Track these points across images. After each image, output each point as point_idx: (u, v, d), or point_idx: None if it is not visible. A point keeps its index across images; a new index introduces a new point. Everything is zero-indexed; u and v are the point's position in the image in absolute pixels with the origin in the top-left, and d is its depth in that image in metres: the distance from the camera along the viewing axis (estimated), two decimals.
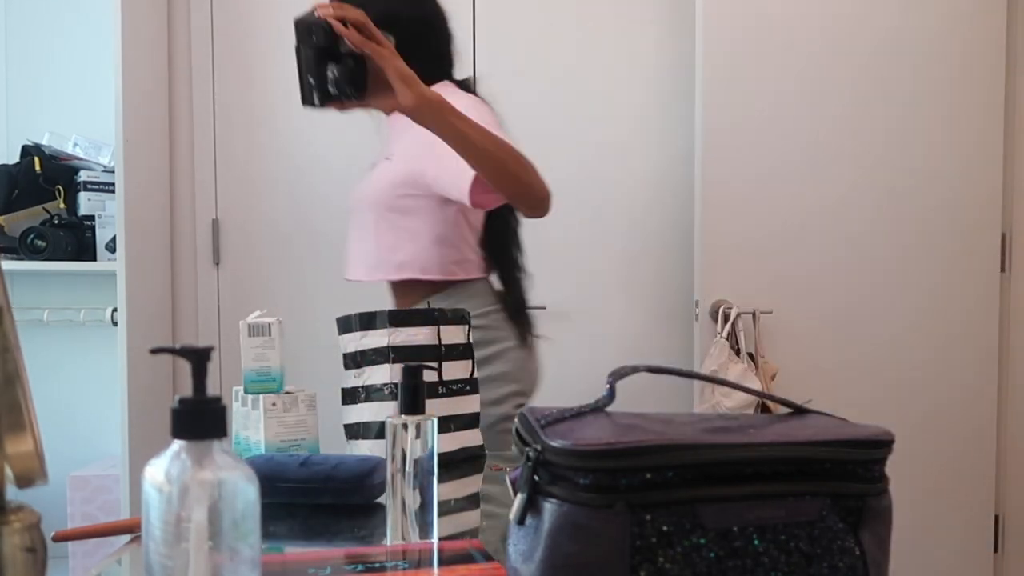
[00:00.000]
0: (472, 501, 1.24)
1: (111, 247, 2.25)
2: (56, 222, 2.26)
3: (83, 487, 2.22)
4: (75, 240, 2.26)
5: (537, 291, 2.55)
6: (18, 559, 0.56)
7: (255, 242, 2.49)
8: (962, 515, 2.56)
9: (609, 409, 0.72)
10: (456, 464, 1.40)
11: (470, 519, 1.14)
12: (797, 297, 2.46)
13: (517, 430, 0.69)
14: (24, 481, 0.57)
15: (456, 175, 1.39)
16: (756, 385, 2.23)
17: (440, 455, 1.00)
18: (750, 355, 2.33)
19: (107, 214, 2.28)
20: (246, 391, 1.29)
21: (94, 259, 2.28)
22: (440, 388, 1.41)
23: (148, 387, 2.27)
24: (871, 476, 0.65)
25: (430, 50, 1.55)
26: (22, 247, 2.20)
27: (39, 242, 2.21)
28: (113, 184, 2.21)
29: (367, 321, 1.40)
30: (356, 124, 2.52)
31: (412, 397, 0.87)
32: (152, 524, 0.53)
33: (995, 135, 2.54)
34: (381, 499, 1.09)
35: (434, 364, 1.39)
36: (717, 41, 2.38)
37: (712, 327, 2.37)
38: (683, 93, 2.50)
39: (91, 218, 2.29)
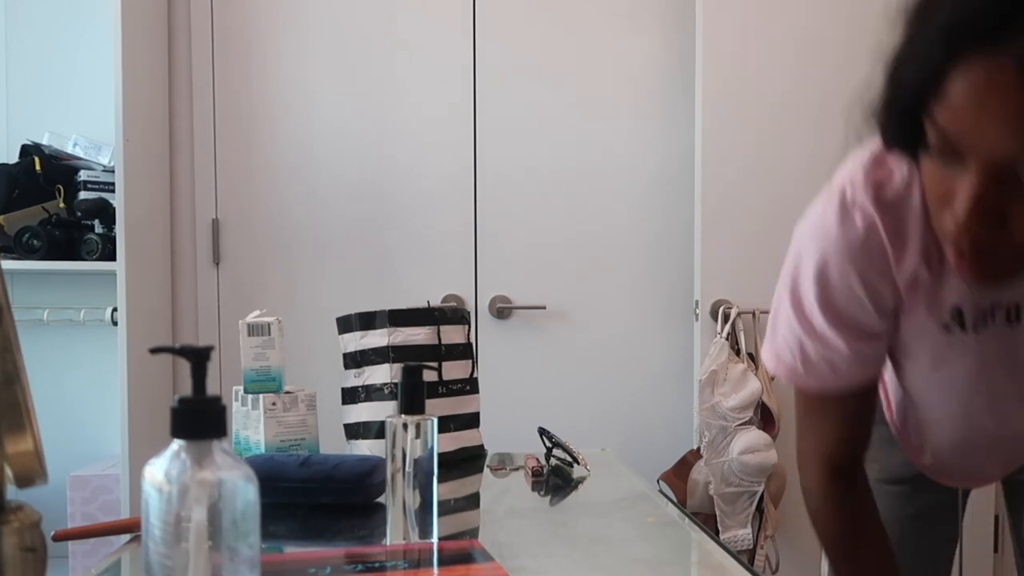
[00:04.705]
0: (472, 501, 1.24)
1: (92, 251, 2.25)
2: (53, 221, 2.26)
3: (83, 487, 2.22)
4: (68, 239, 2.25)
5: (537, 291, 2.56)
6: (18, 559, 0.56)
7: (255, 242, 2.49)
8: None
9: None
10: (456, 464, 1.40)
11: (470, 519, 1.14)
12: None
13: None
14: (24, 481, 0.57)
15: None
16: (756, 385, 2.23)
17: (440, 455, 1.00)
18: (750, 355, 2.33)
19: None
20: (246, 391, 1.30)
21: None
22: (440, 388, 1.41)
23: (148, 387, 2.27)
24: None
25: None
26: (17, 246, 2.20)
27: (34, 241, 2.21)
28: (113, 184, 2.21)
29: (367, 321, 1.40)
30: (355, 124, 2.52)
31: (412, 397, 0.87)
32: (152, 524, 0.53)
33: None
34: (381, 499, 1.09)
35: (434, 364, 1.39)
36: (717, 41, 2.38)
37: (712, 327, 2.37)
38: (683, 93, 2.50)
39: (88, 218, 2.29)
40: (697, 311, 2.40)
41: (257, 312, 1.34)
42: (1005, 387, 0.91)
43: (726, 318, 2.33)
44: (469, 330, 1.48)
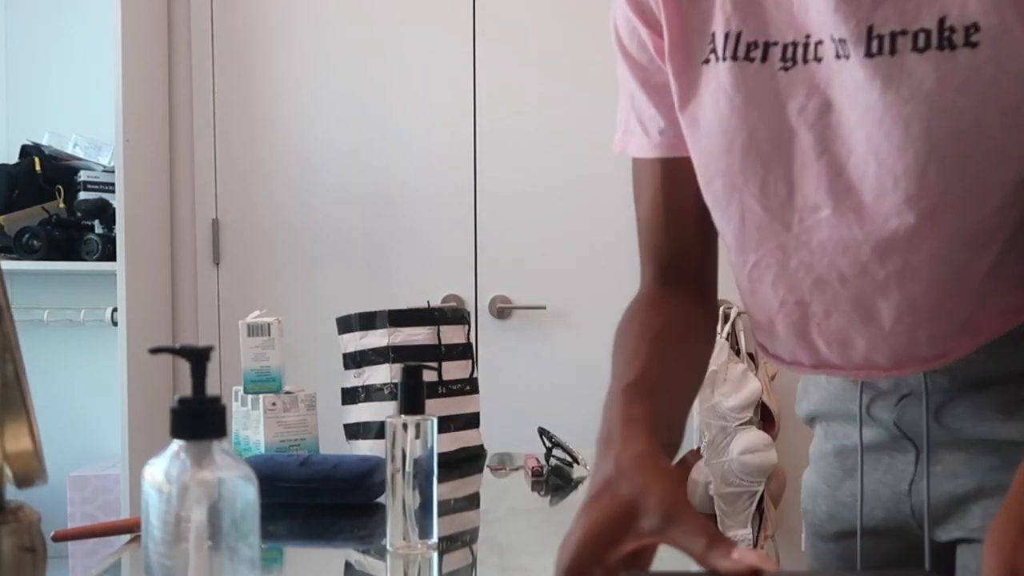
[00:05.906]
0: (472, 501, 1.24)
1: (92, 251, 2.25)
2: (53, 221, 2.26)
3: (83, 487, 2.22)
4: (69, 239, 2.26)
5: (537, 291, 2.55)
6: (18, 559, 0.56)
7: (255, 242, 2.49)
8: None
9: None
10: (456, 464, 1.40)
11: (470, 519, 1.14)
12: None
13: None
14: (24, 481, 0.57)
15: None
16: (756, 385, 2.23)
17: (440, 455, 1.00)
18: (750, 355, 2.33)
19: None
20: (246, 391, 1.30)
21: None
22: (440, 388, 1.41)
23: (148, 387, 2.27)
24: None
25: None
26: (17, 247, 2.20)
27: (34, 242, 2.22)
28: (113, 184, 2.21)
29: (367, 321, 1.40)
30: (356, 123, 2.52)
31: (412, 397, 0.87)
32: (152, 524, 0.53)
33: None
34: (381, 499, 1.09)
35: (434, 364, 1.39)
36: None
37: None
38: None
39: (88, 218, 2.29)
40: None
41: (257, 312, 1.34)
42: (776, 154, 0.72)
43: (726, 318, 2.32)
44: (469, 330, 1.49)
